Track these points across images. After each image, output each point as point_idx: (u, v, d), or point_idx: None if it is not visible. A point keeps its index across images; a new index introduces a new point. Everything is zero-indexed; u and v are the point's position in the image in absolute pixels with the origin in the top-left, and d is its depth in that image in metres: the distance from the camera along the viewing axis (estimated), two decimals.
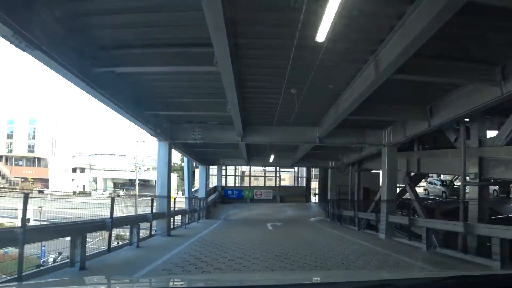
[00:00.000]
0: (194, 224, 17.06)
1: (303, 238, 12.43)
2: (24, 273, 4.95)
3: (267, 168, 32.45)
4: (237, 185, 34.96)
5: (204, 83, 8.78)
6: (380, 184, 21.22)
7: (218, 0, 4.34)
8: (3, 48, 69.13)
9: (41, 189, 39.53)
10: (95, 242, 12.79)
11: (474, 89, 8.00)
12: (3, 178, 56.92)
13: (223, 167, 31.74)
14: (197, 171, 24.38)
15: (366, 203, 18.35)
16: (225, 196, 30.49)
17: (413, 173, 15.27)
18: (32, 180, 54.41)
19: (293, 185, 35.90)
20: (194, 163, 22.81)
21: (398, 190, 15.12)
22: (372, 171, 20.84)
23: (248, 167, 32.36)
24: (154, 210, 11.07)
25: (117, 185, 59.83)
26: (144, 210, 11.00)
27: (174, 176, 48.21)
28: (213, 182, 31.72)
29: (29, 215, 24.46)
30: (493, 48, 6.48)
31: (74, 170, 60.21)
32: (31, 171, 57.45)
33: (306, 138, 13.47)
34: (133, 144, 46.46)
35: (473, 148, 10.50)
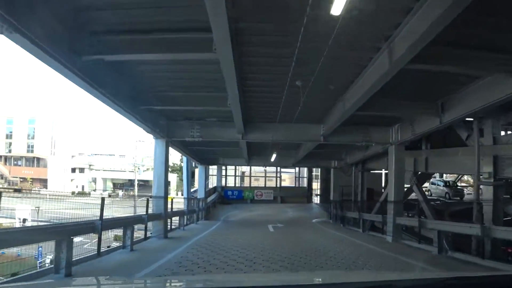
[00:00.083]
0: (193, 225, 16.67)
1: (308, 240, 11.94)
2: None
3: (268, 169, 31.94)
4: (237, 185, 34.40)
5: (202, 74, 8.23)
6: (383, 184, 21.00)
7: None
8: (3, 48, 68.97)
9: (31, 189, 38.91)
10: (93, 243, 12.28)
11: (493, 81, 7.44)
12: (2, 178, 56.67)
13: (223, 167, 31.19)
14: (196, 171, 23.86)
15: (369, 204, 18.02)
16: (225, 197, 29.92)
17: (419, 173, 14.73)
18: (31, 180, 54.38)
19: (294, 185, 35.41)
20: (194, 163, 22.34)
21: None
22: (376, 171, 20.37)
23: (249, 167, 31.93)
24: (150, 211, 10.74)
25: (116, 185, 59.60)
26: (143, 210, 10.62)
27: (174, 177, 47.77)
28: (212, 182, 31.25)
29: (26, 215, 24.14)
30: None
31: (73, 170, 59.94)
32: (30, 171, 57.39)
33: (310, 135, 12.93)
34: (132, 144, 46.07)
35: (487, 146, 10.01)
